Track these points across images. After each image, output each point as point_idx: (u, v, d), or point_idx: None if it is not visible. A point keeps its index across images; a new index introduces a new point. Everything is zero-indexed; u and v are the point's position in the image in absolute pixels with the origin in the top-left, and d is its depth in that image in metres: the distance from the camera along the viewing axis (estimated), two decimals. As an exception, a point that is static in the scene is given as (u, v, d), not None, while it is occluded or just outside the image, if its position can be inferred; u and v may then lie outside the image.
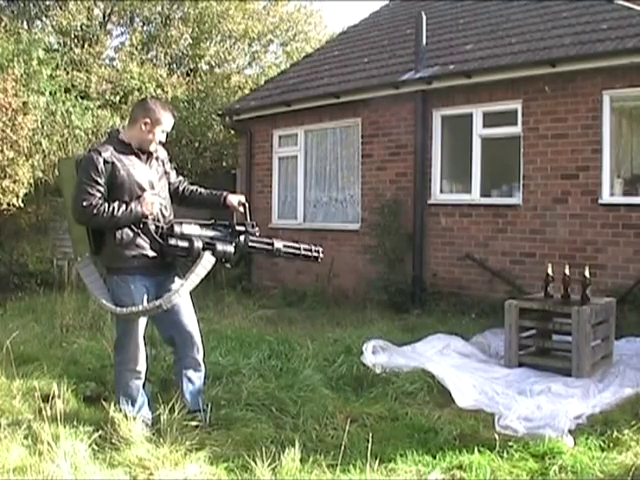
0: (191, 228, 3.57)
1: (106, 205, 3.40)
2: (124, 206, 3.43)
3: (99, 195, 3.42)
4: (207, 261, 3.48)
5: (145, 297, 3.55)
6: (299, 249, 3.87)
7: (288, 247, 3.84)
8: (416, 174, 8.37)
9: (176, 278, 3.70)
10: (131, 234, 3.50)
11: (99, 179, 3.42)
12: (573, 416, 3.87)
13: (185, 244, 3.48)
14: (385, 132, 8.86)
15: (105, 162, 3.43)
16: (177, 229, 3.51)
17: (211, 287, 7.73)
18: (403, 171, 8.63)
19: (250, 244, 3.67)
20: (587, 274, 5.23)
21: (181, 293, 3.49)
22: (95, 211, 3.38)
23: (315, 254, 3.91)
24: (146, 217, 3.49)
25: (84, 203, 3.38)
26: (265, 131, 10.46)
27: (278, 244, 3.78)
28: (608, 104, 6.95)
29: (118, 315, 3.54)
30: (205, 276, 3.50)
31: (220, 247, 3.54)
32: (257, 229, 3.72)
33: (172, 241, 3.47)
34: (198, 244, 3.49)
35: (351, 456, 3.31)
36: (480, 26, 9.22)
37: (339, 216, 9.58)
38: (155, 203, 3.53)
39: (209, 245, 3.52)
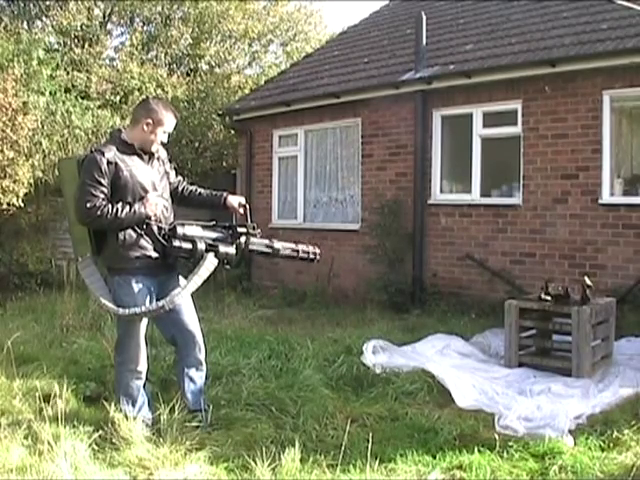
0: (193, 229, 3.57)
1: (110, 206, 3.40)
2: (128, 207, 3.43)
3: (103, 196, 3.41)
4: (210, 263, 3.48)
5: (147, 297, 3.55)
6: (297, 250, 3.90)
7: (287, 248, 3.86)
8: (416, 174, 8.37)
9: (179, 277, 3.71)
10: (134, 235, 3.50)
11: (102, 180, 3.41)
12: (573, 416, 3.88)
13: (188, 246, 3.48)
14: (385, 132, 8.86)
15: (108, 163, 3.42)
16: (180, 230, 3.51)
17: (211, 287, 7.71)
18: (403, 171, 8.63)
19: (251, 246, 3.68)
20: (589, 282, 5.22)
21: (184, 294, 3.50)
22: (99, 212, 3.37)
23: (313, 255, 3.94)
24: (149, 218, 3.49)
25: (88, 204, 3.37)
26: (265, 131, 10.47)
27: (277, 245, 3.80)
28: (608, 104, 6.95)
29: (120, 316, 3.54)
30: (207, 277, 3.50)
31: (223, 249, 3.54)
32: (258, 231, 3.72)
33: (176, 242, 3.47)
34: (201, 246, 3.49)
35: (351, 456, 3.31)
36: (480, 26, 9.22)
37: (339, 216, 9.58)
38: (158, 204, 3.53)
39: (212, 247, 3.53)
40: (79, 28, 14.52)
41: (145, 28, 16.39)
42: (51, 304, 7.26)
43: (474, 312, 7.26)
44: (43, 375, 4.41)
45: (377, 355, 5.12)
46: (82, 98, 11.76)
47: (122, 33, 16.88)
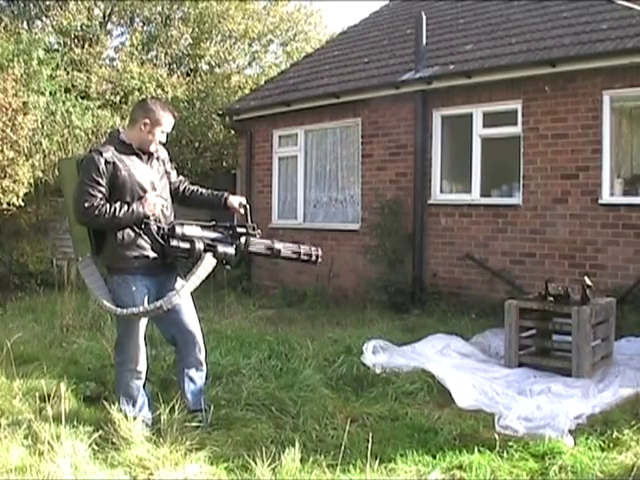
0: (192, 229, 3.56)
1: (108, 206, 3.40)
2: (126, 207, 3.44)
3: (101, 196, 3.42)
4: (208, 263, 3.47)
5: (146, 297, 3.55)
6: (299, 251, 3.85)
7: (288, 249, 3.81)
8: (416, 174, 8.37)
9: (177, 278, 3.71)
10: (132, 235, 3.50)
11: (101, 180, 3.42)
12: (573, 416, 3.87)
13: (186, 245, 3.48)
14: (385, 132, 8.86)
15: (106, 162, 3.43)
16: (178, 230, 3.50)
17: (211, 287, 7.69)
18: (403, 171, 8.63)
19: (251, 246, 3.67)
20: (589, 282, 5.22)
21: (182, 294, 3.49)
22: (97, 212, 3.38)
23: (314, 257, 3.88)
24: (148, 218, 3.49)
25: (86, 204, 3.38)
26: (265, 131, 10.47)
27: (278, 246, 3.76)
28: (608, 104, 6.95)
29: (119, 316, 3.54)
30: (206, 277, 3.50)
31: (221, 249, 3.53)
32: (258, 231, 3.71)
33: (174, 242, 3.47)
34: (199, 246, 3.48)
35: (351, 456, 3.31)
36: (480, 26, 9.22)
37: (339, 216, 9.58)
38: (157, 204, 3.53)
39: (210, 247, 3.52)
40: (79, 28, 14.52)
41: (145, 28, 16.39)
42: (51, 304, 7.25)
43: (474, 312, 7.26)
44: (43, 375, 4.41)
45: (377, 355, 5.12)
46: (82, 98, 11.77)
47: (122, 33, 16.91)
